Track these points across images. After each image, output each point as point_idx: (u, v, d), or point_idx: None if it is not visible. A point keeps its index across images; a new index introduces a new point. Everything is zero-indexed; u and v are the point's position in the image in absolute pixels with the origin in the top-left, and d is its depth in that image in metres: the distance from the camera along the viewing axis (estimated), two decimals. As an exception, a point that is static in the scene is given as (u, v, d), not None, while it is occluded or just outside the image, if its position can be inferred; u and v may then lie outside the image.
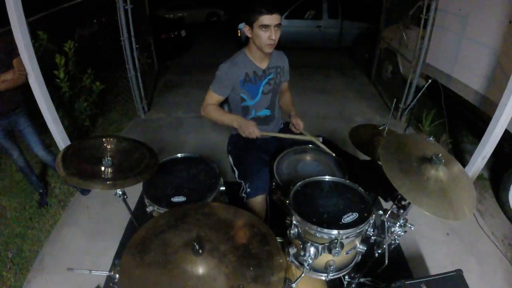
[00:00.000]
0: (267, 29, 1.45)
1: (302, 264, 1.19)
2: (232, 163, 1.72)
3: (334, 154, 1.61)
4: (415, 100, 2.36)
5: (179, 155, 1.63)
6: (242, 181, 1.57)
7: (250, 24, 1.49)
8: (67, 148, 1.34)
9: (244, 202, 1.54)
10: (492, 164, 2.87)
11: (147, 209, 1.37)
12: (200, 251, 0.86)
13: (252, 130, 1.52)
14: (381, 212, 1.31)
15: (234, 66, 1.59)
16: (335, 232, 1.09)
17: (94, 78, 3.49)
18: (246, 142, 1.75)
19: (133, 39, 3.54)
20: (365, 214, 1.18)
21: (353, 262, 1.29)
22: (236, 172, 1.65)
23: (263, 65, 1.64)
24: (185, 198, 1.35)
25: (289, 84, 1.92)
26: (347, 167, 1.55)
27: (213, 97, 1.64)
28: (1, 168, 2.93)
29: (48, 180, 2.75)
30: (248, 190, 1.52)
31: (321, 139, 1.63)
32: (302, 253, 1.17)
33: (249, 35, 1.54)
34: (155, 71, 5.38)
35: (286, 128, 1.91)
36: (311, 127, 1.86)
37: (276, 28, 1.46)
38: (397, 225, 1.29)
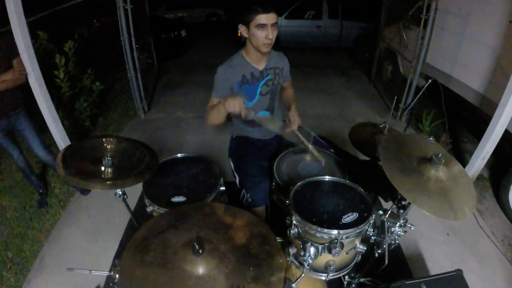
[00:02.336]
0: (263, 28, 1.44)
1: (302, 264, 1.20)
2: (233, 167, 1.72)
3: (334, 155, 1.61)
4: (415, 100, 2.36)
5: (179, 155, 1.63)
6: (243, 189, 1.58)
7: (247, 24, 1.47)
8: (67, 148, 1.34)
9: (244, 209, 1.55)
10: (492, 164, 2.87)
11: (147, 209, 1.37)
12: (200, 251, 0.86)
13: (239, 107, 1.33)
14: (381, 212, 1.31)
15: (230, 68, 1.56)
16: (335, 232, 1.10)
17: (94, 78, 3.49)
18: (246, 146, 1.75)
19: (133, 39, 3.54)
20: (365, 214, 1.18)
21: (353, 262, 1.29)
22: (237, 178, 1.65)
23: (261, 66, 1.62)
24: (185, 198, 1.35)
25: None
26: (347, 167, 1.55)
27: (214, 103, 1.56)
28: (1, 168, 2.93)
29: (48, 180, 2.75)
30: (249, 200, 1.54)
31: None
32: (302, 253, 1.17)
33: (246, 35, 1.52)
34: (155, 71, 5.38)
35: (285, 128, 1.90)
36: (311, 127, 1.86)
37: (272, 27, 1.45)
38: (397, 225, 1.29)
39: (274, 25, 1.46)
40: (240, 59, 1.60)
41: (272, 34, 1.46)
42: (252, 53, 1.57)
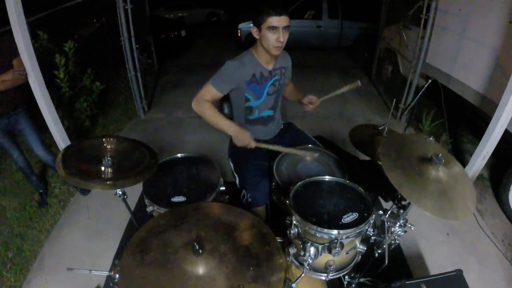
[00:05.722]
0: (275, 31, 1.43)
1: (302, 264, 1.20)
2: (232, 168, 1.71)
3: (334, 155, 1.61)
4: (415, 100, 2.35)
5: (179, 155, 1.63)
6: (243, 190, 1.57)
7: (258, 25, 1.46)
8: (67, 148, 1.34)
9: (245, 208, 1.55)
10: (492, 164, 2.87)
11: (147, 209, 1.37)
12: (200, 251, 0.86)
13: (248, 142, 1.50)
14: (381, 212, 1.31)
15: (242, 66, 1.55)
16: (335, 232, 1.09)
17: (94, 78, 3.49)
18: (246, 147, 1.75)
19: (133, 39, 3.54)
20: (365, 214, 1.18)
21: (353, 262, 1.29)
22: (237, 178, 1.64)
23: (270, 66, 1.62)
24: (185, 198, 1.35)
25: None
26: (347, 167, 1.55)
27: (211, 92, 1.56)
28: (1, 168, 2.93)
29: (48, 180, 2.75)
30: (250, 200, 1.53)
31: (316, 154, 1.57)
32: (302, 253, 1.17)
33: (257, 37, 1.51)
34: (155, 71, 5.38)
35: (286, 129, 1.90)
36: (311, 127, 1.86)
37: (284, 30, 1.44)
38: (397, 225, 1.29)
39: (286, 28, 1.45)
40: (251, 58, 1.59)
41: (283, 37, 1.45)
42: (262, 54, 1.57)
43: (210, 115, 1.55)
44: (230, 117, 1.81)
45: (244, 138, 1.50)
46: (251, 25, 1.52)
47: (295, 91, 1.88)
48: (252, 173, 1.57)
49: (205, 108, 1.56)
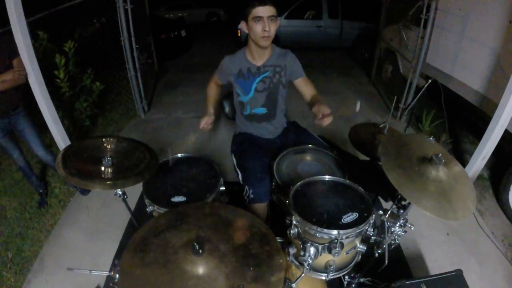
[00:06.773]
0: (260, 20, 1.44)
1: (302, 264, 1.20)
2: (235, 164, 1.71)
3: (334, 155, 1.62)
4: (415, 100, 2.36)
5: (179, 155, 1.63)
6: (245, 186, 1.57)
7: (246, 19, 1.50)
8: (67, 148, 1.34)
9: (246, 205, 1.54)
10: (492, 164, 2.87)
11: (147, 209, 1.37)
12: (200, 251, 0.86)
13: (202, 124, 1.68)
14: (381, 212, 1.31)
15: (232, 61, 1.67)
16: (335, 232, 1.09)
17: (94, 78, 3.49)
18: (250, 143, 1.75)
19: (133, 39, 3.54)
20: (365, 214, 1.18)
21: (353, 262, 1.29)
22: (240, 174, 1.63)
23: (259, 62, 1.64)
24: (185, 198, 1.35)
25: (290, 84, 1.78)
26: (347, 167, 1.55)
27: (214, 79, 1.81)
28: (1, 168, 2.94)
29: (48, 180, 2.75)
30: (252, 196, 1.52)
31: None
32: (302, 253, 1.17)
33: (246, 31, 1.55)
34: (155, 71, 5.38)
35: (289, 128, 1.88)
36: (311, 127, 1.86)
37: (270, 20, 1.45)
38: (397, 225, 1.29)
39: (272, 18, 1.46)
40: (241, 54, 1.67)
41: (269, 27, 1.46)
42: (253, 48, 1.60)
43: (206, 95, 1.84)
44: (231, 114, 1.94)
45: (202, 122, 1.67)
46: (241, 21, 1.54)
47: (316, 96, 1.67)
48: (256, 169, 1.56)
49: (207, 89, 1.85)
